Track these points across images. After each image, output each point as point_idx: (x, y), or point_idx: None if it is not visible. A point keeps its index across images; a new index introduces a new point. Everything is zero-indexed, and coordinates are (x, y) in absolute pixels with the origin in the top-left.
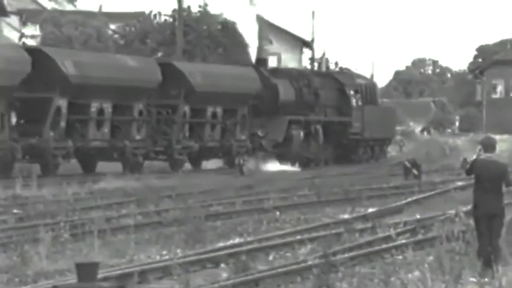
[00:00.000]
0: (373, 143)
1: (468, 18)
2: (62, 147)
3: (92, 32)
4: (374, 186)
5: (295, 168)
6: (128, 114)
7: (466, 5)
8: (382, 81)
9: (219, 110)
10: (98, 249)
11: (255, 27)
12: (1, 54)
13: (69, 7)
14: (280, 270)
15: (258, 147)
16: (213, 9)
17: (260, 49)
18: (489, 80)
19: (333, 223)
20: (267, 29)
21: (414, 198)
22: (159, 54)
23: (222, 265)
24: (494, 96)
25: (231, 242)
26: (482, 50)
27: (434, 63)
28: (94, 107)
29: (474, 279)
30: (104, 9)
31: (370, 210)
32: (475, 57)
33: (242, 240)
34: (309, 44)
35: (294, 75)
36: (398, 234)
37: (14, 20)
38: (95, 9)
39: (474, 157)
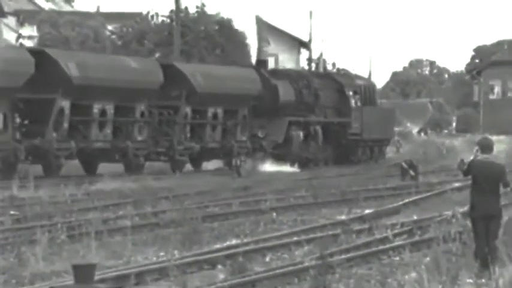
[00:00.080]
0: (372, 143)
1: (465, 19)
2: (64, 148)
3: (89, 32)
4: (371, 187)
5: (293, 169)
6: (129, 116)
7: (463, 6)
8: (379, 82)
9: (219, 111)
10: (94, 250)
11: (254, 28)
12: (5, 56)
13: (66, 8)
14: (277, 271)
15: (258, 148)
16: (210, 10)
17: (260, 50)
18: (486, 81)
19: (330, 224)
20: (266, 30)
21: (411, 199)
22: (157, 55)
23: (219, 266)
24: (491, 97)
25: (227, 243)
26: (479, 51)
27: (432, 64)
28: (96, 108)
29: (471, 280)
30: (102, 10)
31: (367, 211)
32: (472, 58)
33: (239, 241)
34: (306, 45)
35: (294, 76)
36: (395, 236)
37: (11, 20)
38: (93, 9)
39: (471, 158)
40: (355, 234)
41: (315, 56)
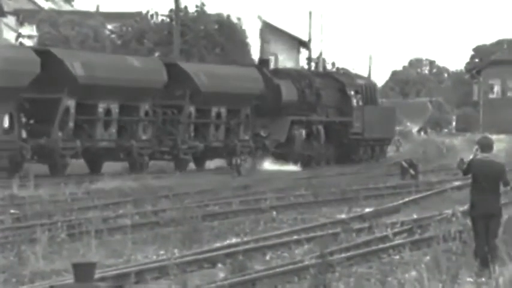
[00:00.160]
0: (373, 142)
1: (465, 18)
2: (70, 148)
3: (89, 32)
4: (371, 186)
5: (293, 168)
6: (134, 115)
7: (462, 5)
8: (379, 81)
9: (223, 110)
10: (94, 249)
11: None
12: (10, 56)
13: (66, 7)
14: (277, 270)
15: (261, 148)
16: (210, 9)
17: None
18: (486, 80)
19: (330, 223)
20: (268, 30)
21: (411, 198)
22: (156, 54)
23: (219, 265)
24: (491, 96)
25: (228, 242)
26: (479, 50)
27: (431, 63)
28: (101, 107)
29: (471, 279)
30: (101, 9)
31: (367, 210)
32: (472, 57)
33: (239, 240)
34: (306, 44)
35: (296, 76)
36: (395, 234)
37: (10, 20)
38: (92, 9)
39: (471, 157)
40: (355, 233)
41: (314, 56)
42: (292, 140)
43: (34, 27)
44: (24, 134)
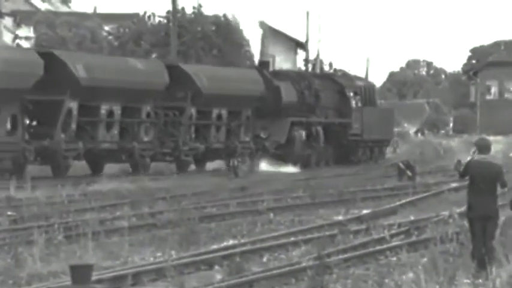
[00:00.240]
0: (372, 144)
1: (462, 19)
2: (72, 149)
3: (86, 33)
4: (368, 188)
5: (291, 170)
6: (136, 116)
7: (460, 7)
8: (376, 82)
9: (224, 112)
10: (91, 251)
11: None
12: (14, 58)
13: (63, 8)
14: (274, 272)
15: (261, 149)
16: (207, 11)
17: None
18: (483, 82)
19: (327, 225)
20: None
21: (408, 199)
22: (153, 55)
23: (216, 267)
24: (488, 97)
25: (225, 243)
26: (476, 52)
27: (429, 64)
28: (104, 109)
29: (468, 281)
30: (98, 11)
31: (364, 211)
32: (469, 58)
33: (236, 242)
34: (303, 45)
35: (295, 78)
36: (392, 236)
37: (8, 21)
38: (89, 10)
39: (468, 159)
40: (352, 234)
41: (312, 57)
42: (292, 141)
43: (31, 28)
44: (26, 136)
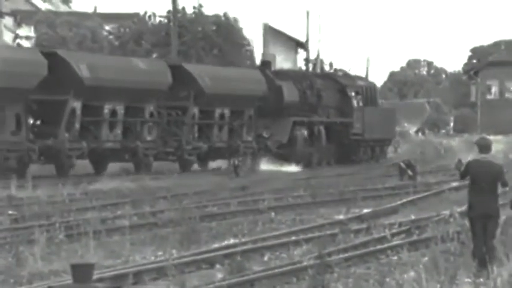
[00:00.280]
0: (373, 143)
1: (463, 19)
2: (76, 148)
3: (87, 33)
4: (369, 187)
5: (292, 169)
6: (139, 116)
7: (460, 6)
8: (376, 82)
9: (226, 111)
10: (93, 250)
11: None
12: (19, 58)
13: (63, 8)
14: (275, 271)
15: (263, 148)
16: (207, 10)
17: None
18: (484, 81)
19: (328, 224)
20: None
21: (409, 199)
22: (154, 55)
23: (217, 266)
24: (488, 97)
25: (226, 242)
26: (476, 51)
27: (429, 64)
28: (107, 108)
29: (469, 280)
30: (99, 10)
31: (365, 211)
32: (470, 58)
33: (237, 241)
34: (303, 45)
35: (297, 77)
36: (393, 235)
37: (8, 21)
38: (90, 10)
39: (469, 159)
40: (353, 233)
41: (312, 57)
42: (294, 141)
43: (31, 28)
44: (31, 135)
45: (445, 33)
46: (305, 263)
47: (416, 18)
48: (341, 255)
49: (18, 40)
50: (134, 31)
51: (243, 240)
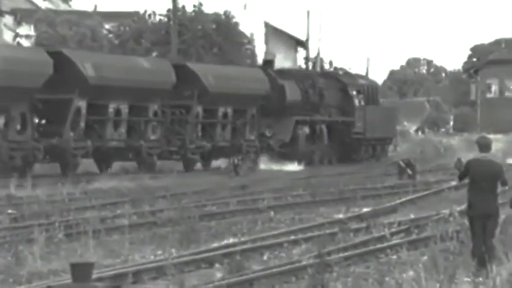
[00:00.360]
0: (374, 142)
1: (463, 17)
2: (81, 147)
3: (87, 31)
4: (369, 186)
5: (293, 168)
6: (143, 115)
7: (460, 5)
8: (376, 80)
9: (229, 110)
10: (92, 249)
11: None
12: (24, 57)
13: (63, 6)
14: (274, 270)
15: (266, 147)
16: (207, 9)
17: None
18: (483, 80)
19: (328, 223)
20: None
21: (408, 198)
22: (154, 54)
23: (217, 265)
24: (488, 95)
25: (225, 242)
26: (476, 50)
27: (429, 62)
28: (112, 107)
29: (468, 279)
30: (99, 9)
31: (365, 210)
32: (470, 56)
33: (236, 240)
34: (303, 44)
35: (300, 76)
36: (392, 234)
37: (8, 19)
38: (90, 8)
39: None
40: (352, 232)
41: (312, 55)
42: (296, 140)
43: (31, 26)
44: (36, 134)
45: (444, 32)
46: (304, 262)
47: (416, 16)
48: (340, 255)
49: (18, 39)
50: (134, 30)
51: (242, 239)
